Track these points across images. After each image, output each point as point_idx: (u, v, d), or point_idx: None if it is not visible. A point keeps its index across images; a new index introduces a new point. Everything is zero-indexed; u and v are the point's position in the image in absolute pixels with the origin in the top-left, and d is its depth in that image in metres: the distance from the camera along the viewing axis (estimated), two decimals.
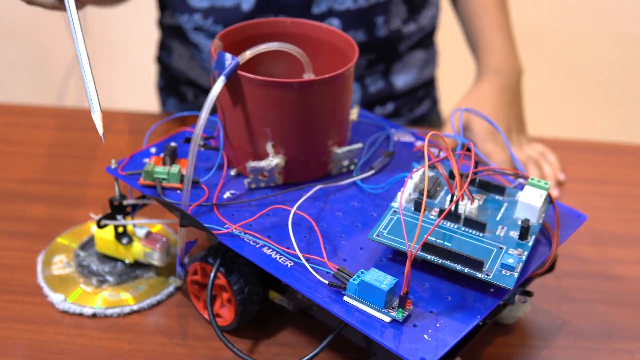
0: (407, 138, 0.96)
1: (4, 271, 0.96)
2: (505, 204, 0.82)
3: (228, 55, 0.82)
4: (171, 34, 1.34)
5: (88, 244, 0.97)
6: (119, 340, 0.87)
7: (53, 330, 0.88)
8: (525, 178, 0.83)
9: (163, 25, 1.36)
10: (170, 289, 0.93)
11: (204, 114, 0.79)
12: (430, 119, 1.44)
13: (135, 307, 0.90)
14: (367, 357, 0.81)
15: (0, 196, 1.09)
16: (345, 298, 0.73)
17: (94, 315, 0.90)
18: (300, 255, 0.76)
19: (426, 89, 1.40)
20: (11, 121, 1.29)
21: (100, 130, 0.80)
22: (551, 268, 0.87)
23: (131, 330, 0.88)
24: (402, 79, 1.33)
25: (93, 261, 0.95)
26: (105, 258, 0.95)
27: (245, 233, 0.80)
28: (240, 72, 0.81)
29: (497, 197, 0.83)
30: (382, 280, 0.72)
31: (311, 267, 0.76)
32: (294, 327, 0.89)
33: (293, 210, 0.80)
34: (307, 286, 0.75)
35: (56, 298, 0.90)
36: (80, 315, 0.90)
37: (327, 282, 0.74)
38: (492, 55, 1.26)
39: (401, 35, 1.29)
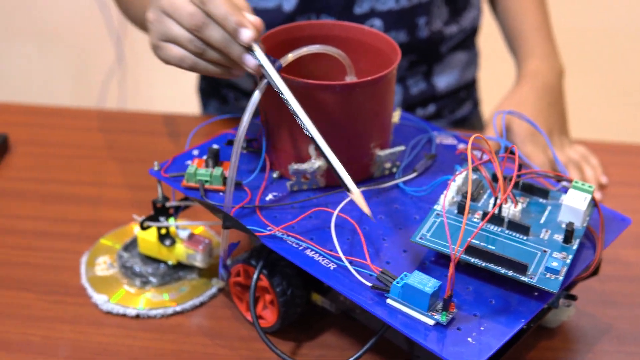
0: (449, 141, 0.96)
1: (48, 272, 0.96)
2: (549, 207, 0.82)
3: (270, 58, 0.82)
4: None
5: (131, 245, 0.98)
6: (162, 340, 0.87)
7: (96, 331, 0.88)
8: (569, 181, 0.82)
9: None
10: (213, 290, 0.93)
11: (247, 116, 0.79)
12: (472, 120, 1.43)
13: (178, 309, 0.91)
14: None
15: (44, 198, 1.10)
16: (389, 301, 0.73)
17: (137, 316, 0.90)
18: (343, 257, 0.76)
19: (467, 90, 1.40)
20: (53, 123, 1.30)
21: (367, 210, 0.77)
22: (595, 272, 0.87)
23: (174, 331, 0.89)
24: (443, 81, 1.33)
25: (136, 262, 0.95)
26: (148, 259, 0.96)
27: (288, 235, 0.80)
28: (283, 74, 0.82)
29: (540, 200, 0.83)
30: (425, 283, 0.71)
31: (354, 269, 0.76)
32: (336, 329, 0.89)
33: (336, 212, 0.80)
34: (350, 288, 0.75)
35: (100, 299, 0.91)
36: (124, 316, 0.90)
37: (370, 284, 0.74)
38: (532, 57, 1.25)
39: (443, 37, 1.29)
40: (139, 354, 0.86)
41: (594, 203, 0.82)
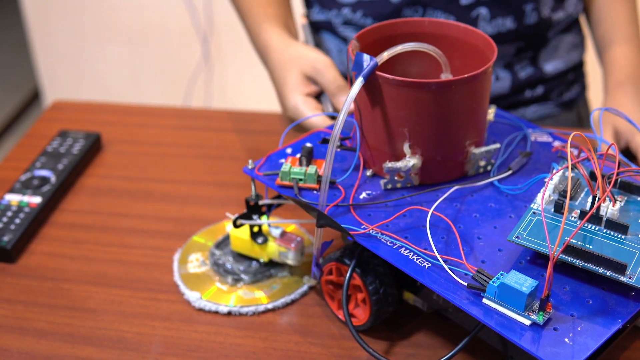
0: (544, 138, 0.95)
1: (141, 269, 0.98)
2: None
3: (366, 56, 0.82)
4: (317, 30, 1.34)
5: (223, 243, 0.99)
6: (253, 338, 0.88)
7: (188, 328, 0.89)
8: None
9: (310, 22, 1.36)
10: (304, 288, 0.93)
11: (342, 115, 0.79)
12: (578, 104, 1.41)
13: (269, 306, 0.91)
14: None
15: (136, 195, 1.12)
16: (484, 300, 0.72)
17: (229, 313, 0.91)
18: (438, 256, 0.76)
19: (575, 72, 1.38)
20: (144, 122, 1.33)
21: None
22: None
23: (265, 328, 0.89)
24: (551, 64, 1.32)
25: (228, 260, 0.96)
26: (240, 257, 0.96)
27: (382, 234, 0.80)
28: (378, 72, 0.81)
29: (639, 198, 0.81)
30: (522, 282, 0.71)
31: (449, 268, 0.75)
32: (427, 328, 0.88)
33: (430, 211, 0.79)
34: (445, 288, 0.74)
35: (192, 296, 0.92)
36: (216, 313, 0.91)
37: (465, 283, 0.73)
38: (621, 70, 1.23)
39: (550, 23, 1.27)
40: (230, 350, 0.86)
41: None
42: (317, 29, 1.34)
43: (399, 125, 0.83)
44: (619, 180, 0.82)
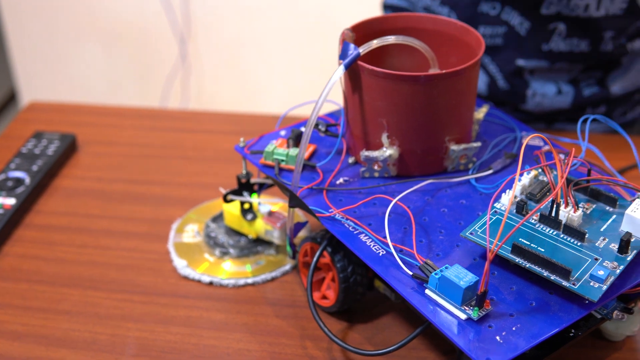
0: (536, 142, 0.95)
1: (116, 270, 0.99)
2: (614, 216, 0.80)
3: (351, 46, 0.84)
4: None
5: (219, 217, 1.02)
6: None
7: (163, 330, 0.90)
8: (638, 190, 0.81)
9: (390, 6, 1.36)
10: (287, 267, 0.96)
11: (320, 100, 0.82)
12: (637, 124, 1.39)
13: (249, 281, 0.94)
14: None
15: (112, 197, 1.13)
16: (427, 291, 0.74)
17: (210, 284, 0.94)
18: (390, 244, 0.77)
19: None
20: (119, 123, 1.33)
21: None
22: None
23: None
24: (618, 85, 1.29)
25: (221, 233, 0.99)
26: (232, 232, 1.00)
27: (347, 219, 0.82)
28: (359, 62, 0.83)
29: (607, 207, 0.81)
30: (462, 277, 0.72)
31: (401, 257, 0.77)
32: (396, 315, 0.90)
33: (394, 201, 0.81)
34: (394, 275, 0.76)
35: (179, 263, 0.96)
36: (199, 282, 0.94)
37: (411, 273, 0.75)
38: None
39: (626, 52, 1.25)
40: (204, 352, 0.87)
41: None
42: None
43: (378, 115, 0.85)
44: (589, 188, 0.82)
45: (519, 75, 1.25)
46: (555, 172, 0.83)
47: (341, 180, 0.88)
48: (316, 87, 0.81)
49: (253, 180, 0.94)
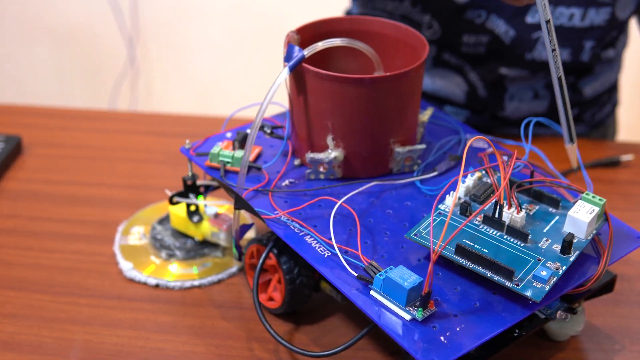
0: (480, 144, 0.96)
1: (62, 273, 0.97)
2: (557, 217, 0.81)
3: (296, 48, 0.84)
4: None
5: (166, 219, 1.02)
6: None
7: (109, 333, 0.89)
8: (581, 192, 0.81)
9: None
10: (234, 269, 0.96)
11: (265, 102, 0.82)
12: (606, 123, 1.41)
13: (196, 283, 0.94)
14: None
15: (57, 199, 1.11)
16: (372, 292, 0.74)
17: (156, 286, 0.94)
18: (335, 245, 0.78)
19: (609, 93, 1.38)
20: (66, 125, 1.32)
21: (574, 164, 0.87)
22: (609, 289, 0.86)
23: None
24: (590, 88, 1.31)
25: (167, 235, 0.99)
26: (179, 234, 0.99)
27: (292, 220, 0.82)
28: (304, 64, 0.84)
29: (550, 209, 0.82)
30: (406, 278, 0.72)
31: (346, 259, 0.77)
32: (343, 316, 0.90)
33: (339, 202, 0.81)
34: (338, 276, 0.76)
35: (125, 265, 0.95)
36: (145, 284, 0.94)
37: (356, 274, 0.75)
38: None
39: (600, 59, 1.27)
40: (152, 354, 0.86)
41: (605, 217, 0.81)
42: None
43: (323, 117, 0.85)
44: (532, 189, 0.83)
45: (500, 84, 1.26)
46: (498, 174, 0.84)
47: (287, 182, 0.88)
48: (265, 89, 0.81)
49: (199, 182, 0.94)
